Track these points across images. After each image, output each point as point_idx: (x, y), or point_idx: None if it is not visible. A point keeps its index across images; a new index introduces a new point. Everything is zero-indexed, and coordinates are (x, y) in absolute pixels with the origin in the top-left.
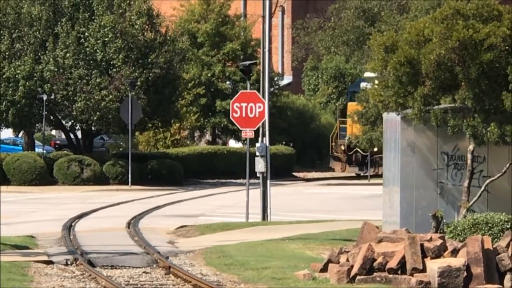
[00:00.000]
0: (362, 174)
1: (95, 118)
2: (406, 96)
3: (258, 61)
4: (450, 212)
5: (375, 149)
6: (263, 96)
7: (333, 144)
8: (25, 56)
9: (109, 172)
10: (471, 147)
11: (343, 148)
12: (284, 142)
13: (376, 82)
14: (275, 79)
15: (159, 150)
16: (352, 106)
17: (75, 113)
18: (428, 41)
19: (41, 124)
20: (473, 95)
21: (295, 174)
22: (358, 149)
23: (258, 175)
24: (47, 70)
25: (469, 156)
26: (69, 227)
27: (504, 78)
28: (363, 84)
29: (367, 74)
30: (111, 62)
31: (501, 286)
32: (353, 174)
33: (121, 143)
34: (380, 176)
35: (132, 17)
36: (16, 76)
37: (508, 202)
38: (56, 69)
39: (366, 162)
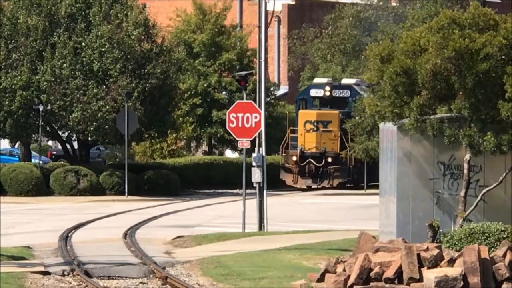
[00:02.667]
0: (316, 186)
1: (91, 129)
2: (402, 106)
3: (254, 71)
4: (446, 222)
5: (329, 160)
6: (260, 106)
7: (284, 154)
8: (22, 67)
9: (105, 183)
10: (467, 156)
11: (294, 159)
12: (280, 152)
13: (328, 88)
14: (271, 89)
15: (155, 160)
16: (303, 115)
17: (71, 124)
18: (424, 51)
19: (37, 135)
20: (469, 104)
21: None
22: (312, 160)
23: (254, 185)
24: (44, 80)
25: (465, 165)
26: (65, 237)
27: (500, 88)
28: (313, 91)
29: (317, 80)
30: (108, 73)
31: None
32: (305, 187)
33: (118, 154)
34: (335, 187)
35: (129, 27)
36: (13, 87)
37: (504, 212)
38: (53, 80)
39: (319, 174)
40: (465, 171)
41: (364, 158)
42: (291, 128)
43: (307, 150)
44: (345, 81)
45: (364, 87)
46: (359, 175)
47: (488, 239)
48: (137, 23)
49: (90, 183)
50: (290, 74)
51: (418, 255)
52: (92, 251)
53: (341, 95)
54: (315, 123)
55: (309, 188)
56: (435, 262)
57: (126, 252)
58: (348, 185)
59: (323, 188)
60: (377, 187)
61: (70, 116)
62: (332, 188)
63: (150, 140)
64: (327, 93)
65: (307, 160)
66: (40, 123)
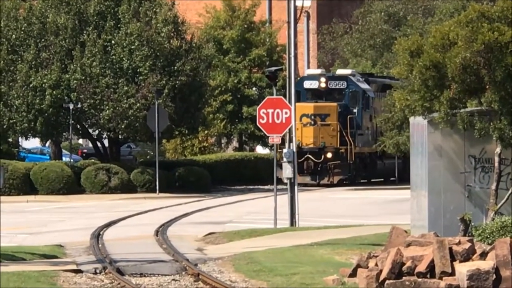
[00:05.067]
0: (315, 183)
1: (122, 126)
2: (432, 100)
3: (284, 67)
4: (478, 215)
5: (329, 156)
6: (290, 102)
7: (280, 150)
8: (52, 65)
9: (136, 180)
10: (498, 149)
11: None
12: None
13: (323, 80)
14: None
15: (186, 157)
16: (298, 108)
17: (102, 122)
18: (454, 44)
19: (68, 133)
20: (499, 97)
21: None
22: (310, 156)
23: (285, 181)
24: (74, 79)
25: (496, 158)
26: (97, 235)
27: None
28: (307, 83)
29: (310, 71)
30: (138, 70)
31: None
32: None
33: (148, 151)
34: (334, 185)
35: (158, 24)
36: (43, 85)
37: None
38: (83, 78)
39: (318, 170)
40: (496, 164)
41: (395, 152)
42: None
43: (305, 145)
44: (340, 71)
45: (359, 78)
46: (358, 171)
47: None
48: (166, 20)
49: (121, 180)
50: (320, 69)
51: (450, 249)
52: (124, 249)
53: (337, 87)
54: (312, 117)
55: (306, 185)
56: (467, 256)
57: (158, 249)
58: (345, 182)
59: (323, 185)
60: (377, 183)
61: (101, 114)
62: (333, 185)
63: (181, 137)
64: (323, 85)
65: (305, 156)
66: (71, 122)
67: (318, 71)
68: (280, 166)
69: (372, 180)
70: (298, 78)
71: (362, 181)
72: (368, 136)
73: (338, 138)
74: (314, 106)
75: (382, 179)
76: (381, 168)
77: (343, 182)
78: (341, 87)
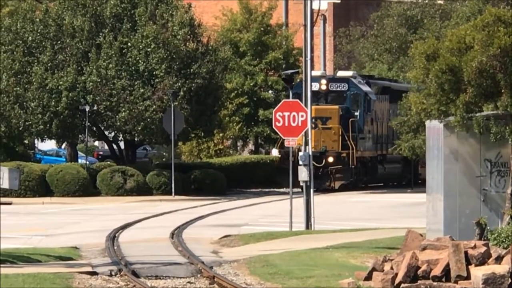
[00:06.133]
0: (315, 188)
1: (139, 129)
2: (448, 103)
3: (300, 70)
4: (493, 219)
5: (330, 160)
6: (306, 105)
7: (279, 155)
8: (68, 67)
9: (152, 183)
10: None
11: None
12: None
13: (324, 82)
14: None
15: (202, 160)
16: None
17: (118, 124)
18: (470, 48)
19: (84, 135)
20: None
21: None
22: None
23: (301, 184)
24: (90, 81)
25: None
26: (112, 237)
27: None
28: None
29: (312, 73)
30: (154, 73)
31: None
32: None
33: (164, 154)
34: (336, 190)
35: (175, 27)
36: (59, 87)
37: None
38: (99, 80)
39: (319, 175)
40: None
41: (411, 156)
42: None
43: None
44: (341, 73)
45: (360, 80)
46: (359, 176)
47: None
48: (182, 23)
49: (137, 183)
50: (336, 72)
51: (466, 252)
52: (139, 251)
53: (338, 89)
54: (313, 120)
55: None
56: (483, 260)
57: (173, 252)
58: (346, 186)
59: (323, 191)
60: (378, 187)
61: (117, 116)
62: (334, 190)
63: (197, 140)
64: (323, 87)
65: None
66: (87, 124)
67: (319, 72)
68: (279, 171)
69: (370, 185)
70: (298, 80)
71: (361, 186)
72: (370, 140)
73: (340, 142)
74: (315, 109)
75: (382, 184)
76: (382, 172)
77: (344, 187)
78: (342, 89)
